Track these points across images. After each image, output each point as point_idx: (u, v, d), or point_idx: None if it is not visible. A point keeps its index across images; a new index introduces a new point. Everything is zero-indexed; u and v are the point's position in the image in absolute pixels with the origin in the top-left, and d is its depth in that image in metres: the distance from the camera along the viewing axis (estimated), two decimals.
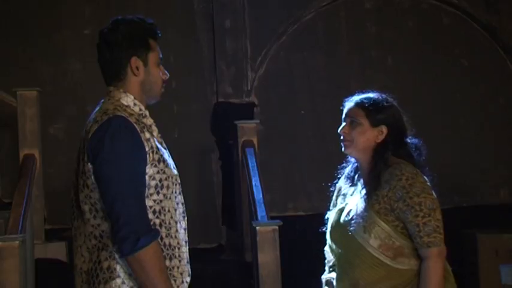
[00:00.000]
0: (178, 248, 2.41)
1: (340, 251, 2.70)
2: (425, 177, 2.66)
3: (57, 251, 5.17)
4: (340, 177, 2.90)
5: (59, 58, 6.25)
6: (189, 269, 2.46)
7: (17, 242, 3.97)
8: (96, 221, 2.32)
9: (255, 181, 5.05)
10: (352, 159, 2.82)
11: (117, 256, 2.29)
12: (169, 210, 2.38)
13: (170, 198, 2.39)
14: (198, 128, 6.33)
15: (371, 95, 2.80)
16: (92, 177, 2.29)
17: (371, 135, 2.71)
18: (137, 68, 2.42)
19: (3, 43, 6.15)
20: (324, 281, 2.83)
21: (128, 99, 2.41)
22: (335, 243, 2.73)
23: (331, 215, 2.81)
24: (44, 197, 5.25)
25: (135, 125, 2.33)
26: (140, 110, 2.42)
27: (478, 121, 6.50)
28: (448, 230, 6.27)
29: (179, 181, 2.46)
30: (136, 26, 2.43)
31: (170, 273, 2.36)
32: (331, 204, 2.88)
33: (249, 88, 6.35)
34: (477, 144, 6.46)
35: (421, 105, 6.43)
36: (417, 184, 2.60)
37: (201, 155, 6.32)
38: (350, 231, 2.64)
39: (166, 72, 2.50)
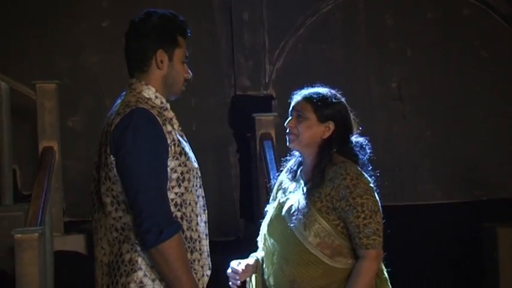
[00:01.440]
0: (199, 241, 2.41)
1: (276, 246, 2.66)
2: (369, 179, 2.62)
3: (75, 243, 5.20)
4: (281, 170, 2.86)
5: (77, 51, 6.27)
6: (210, 263, 2.46)
7: (36, 234, 3.98)
8: (118, 213, 2.32)
9: (273, 174, 5.03)
10: (297, 153, 2.78)
11: (139, 249, 2.29)
12: (190, 204, 2.38)
13: (191, 191, 2.39)
14: (216, 121, 6.32)
15: (320, 89, 2.75)
16: (114, 169, 2.29)
17: (317, 130, 2.67)
18: (162, 62, 2.42)
19: (21, 36, 6.18)
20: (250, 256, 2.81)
21: (149, 92, 2.42)
22: (272, 238, 2.68)
23: (270, 209, 2.77)
24: (62, 189, 5.28)
25: (157, 117, 2.33)
26: (161, 103, 2.42)
27: (497, 114, 6.43)
28: (468, 224, 6.24)
29: (200, 174, 2.46)
30: (168, 20, 2.43)
31: (191, 266, 2.36)
32: (271, 198, 2.84)
33: (266, 81, 6.34)
34: (496, 137, 6.40)
35: (439, 97, 6.39)
36: (361, 185, 2.56)
37: (219, 148, 6.32)
38: (290, 228, 2.61)
39: (189, 71, 2.50)
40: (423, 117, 6.39)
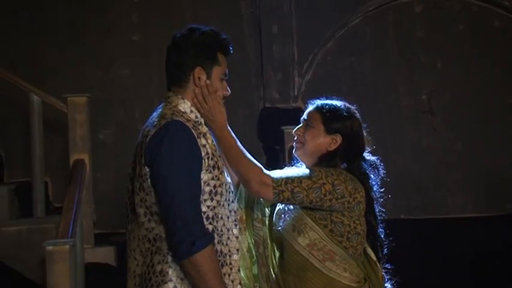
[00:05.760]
0: (230, 256, 2.41)
1: (269, 251, 2.64)
2: (353, 187, 2.55)
3: (106, 255, 5.23)
4: None
5: (107, 64, 6.33)
6: (241, 278, 2.46)
7: (68, 246, 4.01)
8: (151, 224, 2.34)
9: None
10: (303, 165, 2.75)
11: (170, 260, 2.31)
12: (222, 218, 2.39)
13: (223, 205, 2.40)
14: (245, 133, 6.32)
15: (336, 102, 2.73)
16: (148, 180, 2.32)
17: (323, 141, 2.65)
18: (199, 79, 2.44)
19: (53, 50, 6.26)
20: None
21: (185, 106, 2.44)
22: (268, 245, 2.66)
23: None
24: (93, 201, 5.32)
25: (192, 130, 2.35)
26: (196, 117, 2.44)
27: None
28: (499, 238, 6.14)
29: (232, 189, 2.47)
30: (208, 37, 2.45)
31: None
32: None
33: (295, 93, 6.33)
34: None
35: (470, 109, 6.32)
36: (331, 170, 2.55)
37: None
38: (278, 230, 2.60)
39: (228, 88, 2.51)
40: (454, 130, 6.33)
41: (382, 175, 2.70)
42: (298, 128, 2.73)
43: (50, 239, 4.28)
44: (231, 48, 2.49)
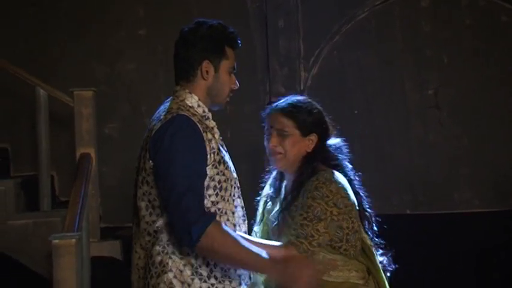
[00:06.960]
0: None
1: None
2: (346, 190, 2.52)
3: (112, 249, 5.24)
4: (264, 187, 2.82)
5: (113, 58, 6.34)
6: (249, 272, 2.46)
7: (74, 239, 4.02)
8: (152, 217, 2.35)
9: None
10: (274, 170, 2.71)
11: (169, 251, 2.33)
12: (226, 213, 2.39)
13: (228, 200, 2.40)
14: (251, 128, 6.32)
15: (295, 101, 2.68)
16: (152, 174, 2.32)
17: (302, 145, 2.63)
18: (207, 73, 2.44)
19: (59, 44, 6.27)
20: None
21: (192, 100, 2.44)
22: None
23: (260, 232, 2.73)
24: (99, 195, 5.33)
25: (197, 124, 2.35)
26: (204, 111, 2.45)
27: None
28: (506, 233, 6.13)
29: (238, 184, 2.47)
30: (216, 31, 2.45)
31: (226, 275, 2.36)
32: (258, 218, 2.79)
33: (302, 88, 6.32)
34: None
35: (477, 104, 6.30)
36: (323, 190, 2.49)
37: (254, 155, 6.31)
38: None
39: (236, 82, 2.51)
40: (460, 125, 6.31)
41: (346, 154, 2.70)
42: (271, 139, 2.65)
43: (56, 232, 4.29)
44: (239, 41, 2.49)
